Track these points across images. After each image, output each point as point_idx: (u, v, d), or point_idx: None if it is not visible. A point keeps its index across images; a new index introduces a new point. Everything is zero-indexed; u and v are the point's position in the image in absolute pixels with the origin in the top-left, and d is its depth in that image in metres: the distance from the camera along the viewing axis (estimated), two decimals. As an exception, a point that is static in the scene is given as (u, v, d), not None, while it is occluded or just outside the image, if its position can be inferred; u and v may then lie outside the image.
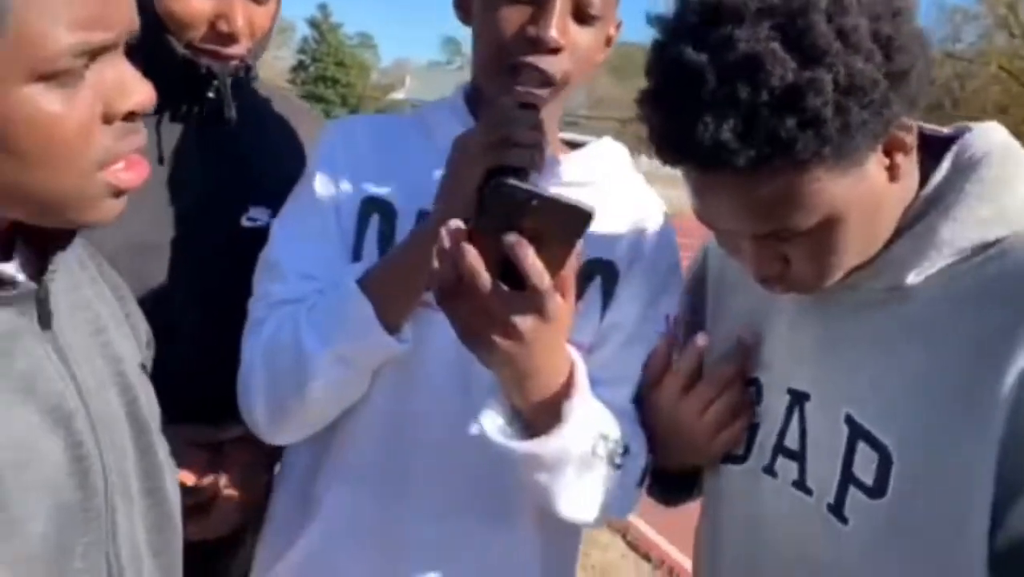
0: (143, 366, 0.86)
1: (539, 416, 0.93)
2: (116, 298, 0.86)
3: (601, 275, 1.09)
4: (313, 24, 50.96)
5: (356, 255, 1.08)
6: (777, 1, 0.76)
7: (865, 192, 0.82)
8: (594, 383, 1.00)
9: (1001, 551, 0.78)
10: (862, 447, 0.88)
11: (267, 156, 1.31)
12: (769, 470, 0.99)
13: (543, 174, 1.01)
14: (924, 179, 0.88)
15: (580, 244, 0.83)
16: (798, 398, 0.96)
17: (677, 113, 0.78)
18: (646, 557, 3.53)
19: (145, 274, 1.18)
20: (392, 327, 0.99)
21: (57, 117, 0.61)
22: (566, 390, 0.93)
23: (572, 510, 1.00)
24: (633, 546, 3.60)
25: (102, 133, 0.65)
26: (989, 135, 0.89)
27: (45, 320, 0.70)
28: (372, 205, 1.08)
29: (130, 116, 0.67)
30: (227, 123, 1.23)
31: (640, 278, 1.12)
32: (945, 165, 0.87)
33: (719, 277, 1.13)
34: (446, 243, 0.81)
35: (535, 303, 0.82)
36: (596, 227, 1.01)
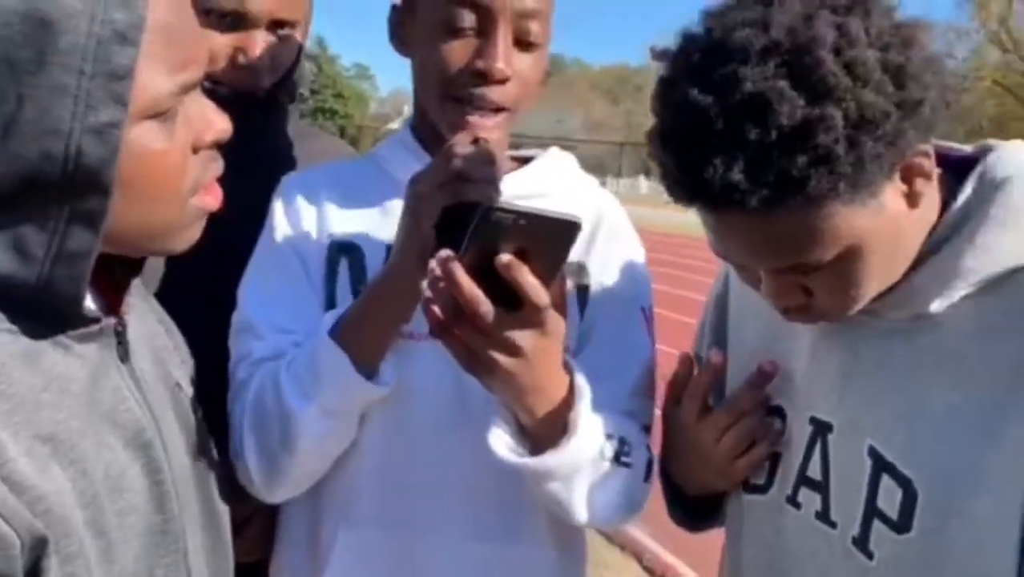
0: (193, 396, 0.90)
1: (547, 429, 0.94)
2: (164, 330, 0.90)
3: (572, 278, 1.10)
4: (311, 57, 51.41)
5: (330, 303, 1.08)
6: (782, 38, 0.74)
7: (884, 221, 0.80)
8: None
9: None
10: (886, 480, 0.86)
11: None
12: (792, 501, 0.97)
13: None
14: (946, 199, 0.86)
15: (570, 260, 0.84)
16: (821, 428, 0.94)
17: (686, 155, 0.77)
18: (661, 580, 3.50)
19: (178, 300, 1.18)
20: (370, 371, 0.99)
21: (163, 152, 0.67)
22: (569, 400, 0.93)
23: (588, 515, 1.01)
24: (649, 569, 3.56)
25: (193, 163, 0.71)
26: (1013, 156, 0.86)
27: (124, 353, 0.74)
28: (339, 251, 1.09)
29: (212, 145, 0.73)
30: (253, 150, 1.20)
31: (613, 275, 1.14)
32: (968, 188, 0.85)
33: (740, 300, 1.11)
34: (438, 273, 0.81)
35: (535, 320, 0.83)
36: None
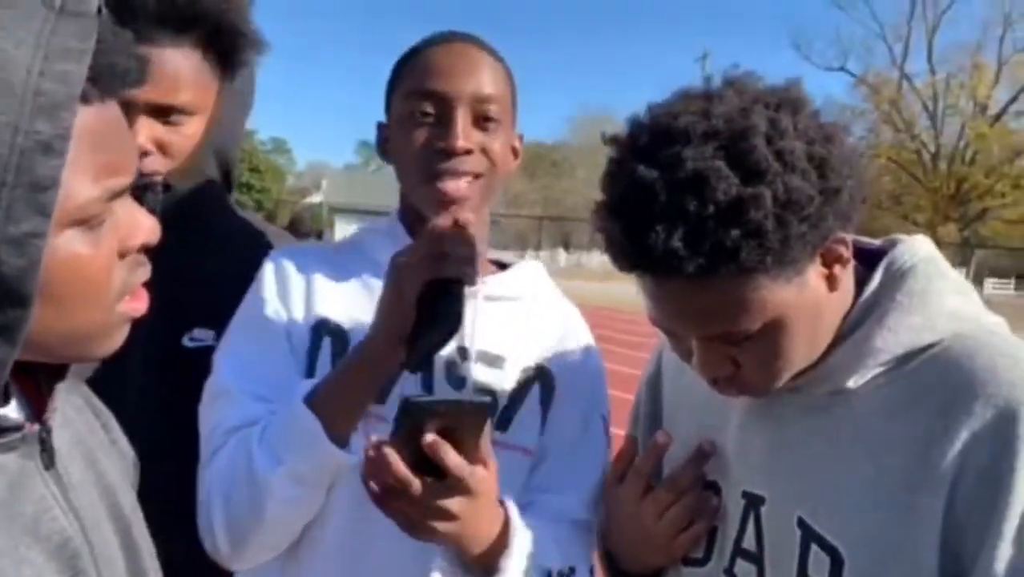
0: (132, 491, 0.86)
1: (485, 560, 1.02)
2: (101, 425, 0.86)
3: (540, 382, 1.17)
4: (227, 131, 51.09)
5: (309, 376, 1.10)
6: (721, 125, 0.82)
7: (806, 299, 0.87)
8: (542, 491, 1.13)
9: None
10: (815, 549, 0.91)
11: (218, 278, 1.26)
12: (729, 573, 1.01)
13: (475, 288, 1.09)
14: (859, 287, 0.94)
15: (488, 426, 0.94)
16: (753, 501, 0.99)
17: (631, 224, 0.83)
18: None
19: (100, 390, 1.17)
20: (340, 440, 1.02)
21: (89, 259, 0.65)
22: (504, 539, 1.01)
23: None
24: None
25: (119, 268, 0.69)
26: (914, 249, 0.95)
27: (49, 460, 0.70)
28: (324, 328, 1.13)
29: (140, 249, 0.71)
30: (175, 241, 1.22)
31: (575, 386, 1.20)
32: (877, 276, 0.94)
33: (673, 381, 1.16)
34: (372, 456, 0.91)
35: (461, 487, 0.93)
36: (531, 339, 1.17)
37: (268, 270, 1.17)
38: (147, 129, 1.16)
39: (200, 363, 1.14)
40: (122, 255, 0.69)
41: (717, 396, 0.99)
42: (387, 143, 1.17)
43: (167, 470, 1.12)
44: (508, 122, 1.15)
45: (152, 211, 0.74)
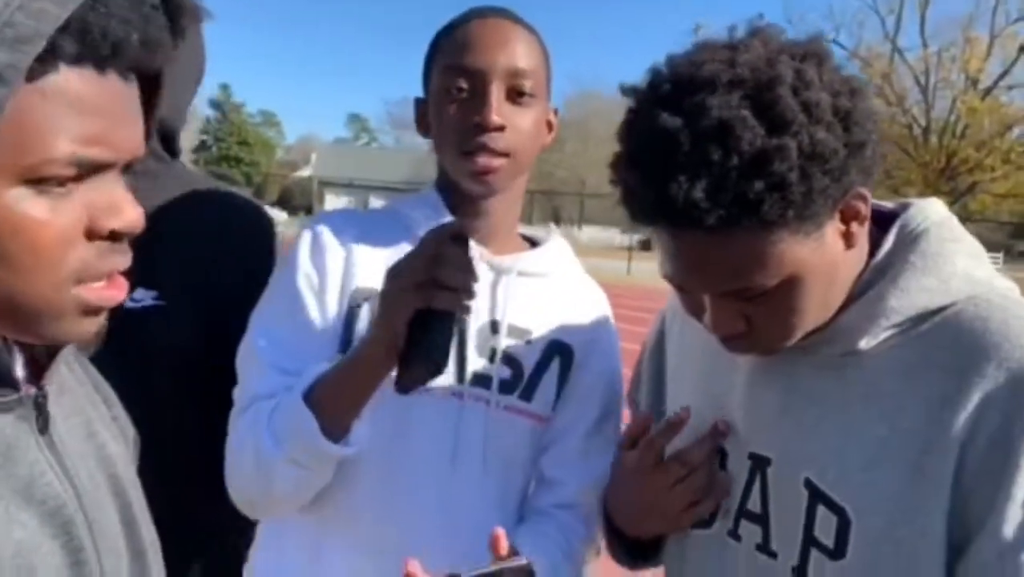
0: (132, 467, 0.85)
1: None
2: (102, 400, 0.85)
3: (559, 356, 1.20)
4: (215, 104, 50.71)
5: (346, 345, 1.13)
6: (747, 74, 0.81)
7: (824, 256, 0.86)
8: (554, 478, 1.20)
9: None
10: (822, 510, 0.91)
11: (164, 238, 1.29)
12: (733, 534, 1.01)
13: (504, 268, 1.17)
14: (872, 249, 0.94)
15: None
16: (760, 463, 0.99)
17: (652, 173, 0.81)
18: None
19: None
20: (338, 434, 1.05)
21: (39, 223, 0.62)
22: None
23: None
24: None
25: (83, 248, 0.65)
26: (928, 212, 0.95)
27: (44, 425, 0.70)
28: (361, 296, 1.15)
29: (117, 236, 0.67)
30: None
31: (594, 367, 1.23)
32: (891, 238, 0.93)
33: (679, 341, 1.17)
34: None
35: None
36: (556, 314, 1.21)
37: (305, 238, 1.19)
38: None
39: (145, 323, 1.13)
40: (90, 236, 0.65)
41: (723, 360, 1.00)
42: (424, 118, 1.20)
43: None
44: (543, 95, 1.17)
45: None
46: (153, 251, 1.23)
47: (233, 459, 1.10)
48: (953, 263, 0.91)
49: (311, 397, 1.04)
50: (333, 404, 1.04)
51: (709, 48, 0.86)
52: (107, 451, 0.79)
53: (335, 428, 1.04)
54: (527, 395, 1.17)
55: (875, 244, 0.94)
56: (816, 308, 0.90)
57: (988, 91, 34.36)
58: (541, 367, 1.19)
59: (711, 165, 0.78)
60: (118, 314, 1.21)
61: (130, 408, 1.11)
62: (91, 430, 0.78)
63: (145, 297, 1.24)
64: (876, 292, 0.91)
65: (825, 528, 0.90)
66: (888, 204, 0.99)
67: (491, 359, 1.16)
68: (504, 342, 1.17)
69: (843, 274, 0.91)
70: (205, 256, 1.29)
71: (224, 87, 51.64)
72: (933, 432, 0.84)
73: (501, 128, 1.11)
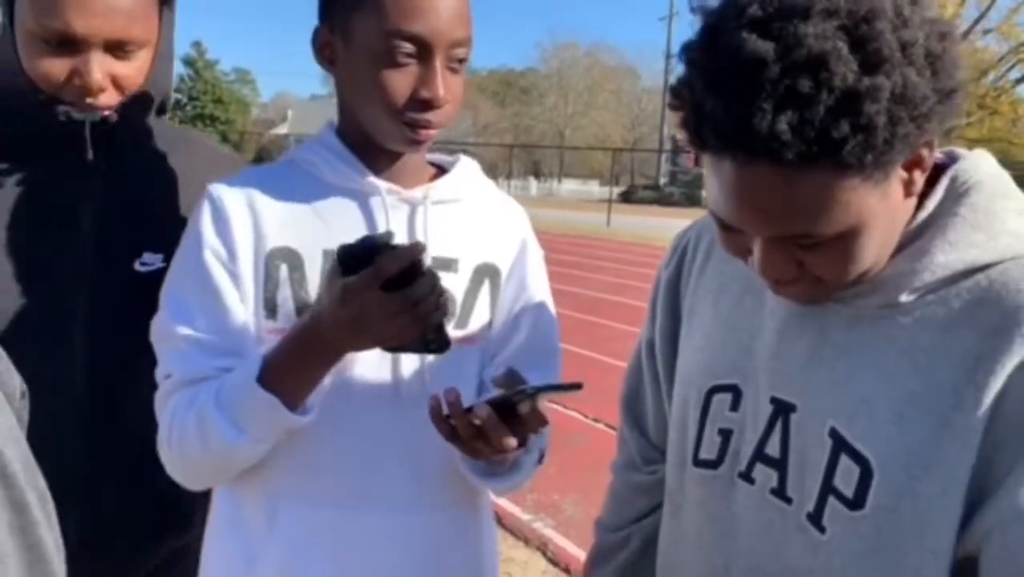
0: (15, 421, 0.75)
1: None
2: None
3: (488, 278, 1.22)
4: (188, 62, 49.69)
5: (270, 308, 1.12)
6: (843, 3, 0.76)
7: (887, 206, 0.83)
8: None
9: (958, 563, 0.83)
10: (844, 460, 0.90)
11: (163, 201, 1.31)
12: (746, 477, 1.00)
13: (418, 200, 1.17)
14: (919, 200, 0.91)
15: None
16: (783, 408, 0.97)
17: (735, 98, 0.76)
18: (566, 570, 3.55)
19: (38, 324, 1.20)
20: (299, 406, 1.06)
21: None
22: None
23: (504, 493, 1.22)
24: (553, 561, 3.61)
25: None
26: (979, 164, 0.92)
27: None
28: (278, 255, 1.12)
29: None
30: (117, 169, 1.25)
31: (521, 279, 1.26)
32: (940, 190, 0.90)
33: (696, 282, 1.14)
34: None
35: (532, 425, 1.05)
36: (477, 237, 1.22)
37: (205, 206, 1.14)
38: (104, 65, 1.19)
39: (155, 287, 1.15)
40: None
41: (751, 299, 1.00)
42: (329, 49, 1.14)
43: (133, 397, 1.18)
44: (470, 55, 1.17)
45: None
46: (158, 213, 1.25)
47: (175, 444, 1.08)
48: (1003, 220, 0.88)
49: (264, 379, 1.03)
50: (291, 384, 1.04)
51: None
52: None
53: (296, 402, 1.05)
54: (462, 323, 1.18)
55: (921, 195, 0.90)
56: (872, 258, 0.87)
57: (964, 35, 34.21)
58: (471, 293, 1.19)
59: (799, 98, 0.74)
60: (130, 278, 1.22)
61: (140, 373, 1.12)
62: None
63: (154, 261, 1.26)
64: (922, 245, 0.88)
65: (846, 478, 0.89)
66: (937, 154, 0.93)
67: None
68: None
69: (899, 224, 0.88)
70: None
71: (197, 44, 50.60)
72: (966, 388, 0.82)
73: (445, 104, 1.11)
